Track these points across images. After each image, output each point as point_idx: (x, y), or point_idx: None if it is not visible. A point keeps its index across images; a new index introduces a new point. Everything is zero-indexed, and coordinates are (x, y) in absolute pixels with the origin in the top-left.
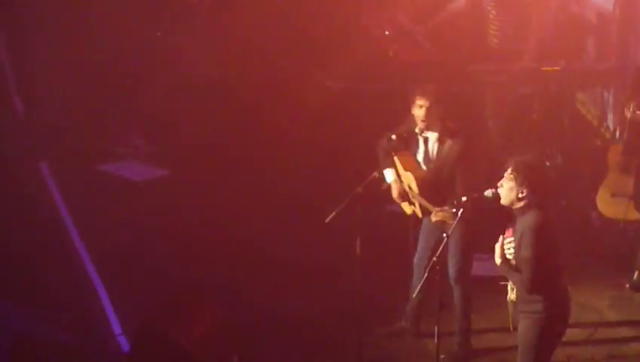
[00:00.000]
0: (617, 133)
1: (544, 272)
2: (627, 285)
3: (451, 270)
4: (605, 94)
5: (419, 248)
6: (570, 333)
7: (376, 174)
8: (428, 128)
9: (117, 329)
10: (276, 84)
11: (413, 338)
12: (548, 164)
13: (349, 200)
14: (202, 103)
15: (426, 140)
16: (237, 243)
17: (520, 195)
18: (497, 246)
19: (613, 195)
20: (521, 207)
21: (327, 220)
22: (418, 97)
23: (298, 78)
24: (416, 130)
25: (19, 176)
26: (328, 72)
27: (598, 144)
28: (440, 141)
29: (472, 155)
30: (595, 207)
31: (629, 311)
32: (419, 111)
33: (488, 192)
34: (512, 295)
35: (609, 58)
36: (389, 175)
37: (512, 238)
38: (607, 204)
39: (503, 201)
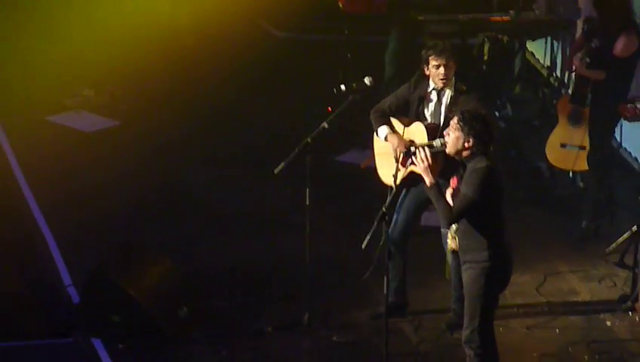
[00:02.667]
0: (566, 82)
1: (486, 218)
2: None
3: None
4: (555, 44)
5: (396, 220)
6: (521, 283)
7: (325, 125)
8: (445, 85)
9: (67, 280)
10: (223, 32)
11: (361, 288)
12: (497, 114)
13: (298, 150)
14: (149, 52)
15: (440, 95)
16: (186, 194)
17: (466, 144)
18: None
19: (562, 145)
20: (468, 156)
21: (276, 171)
22: (434, 57)
23: (245, 27)
24: (432, 88)
25: None
26: (275, 21)
27: (548, 93)
28: (455, 96)
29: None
30: (544, 157)
31: (580, 261)
32: (437, 70)
33: (437, 142)
34: (452, 244)
35: (558, 8)
36: (383, 130)
37: (457, 187)
38: (557, 154)
39: (449, 150)
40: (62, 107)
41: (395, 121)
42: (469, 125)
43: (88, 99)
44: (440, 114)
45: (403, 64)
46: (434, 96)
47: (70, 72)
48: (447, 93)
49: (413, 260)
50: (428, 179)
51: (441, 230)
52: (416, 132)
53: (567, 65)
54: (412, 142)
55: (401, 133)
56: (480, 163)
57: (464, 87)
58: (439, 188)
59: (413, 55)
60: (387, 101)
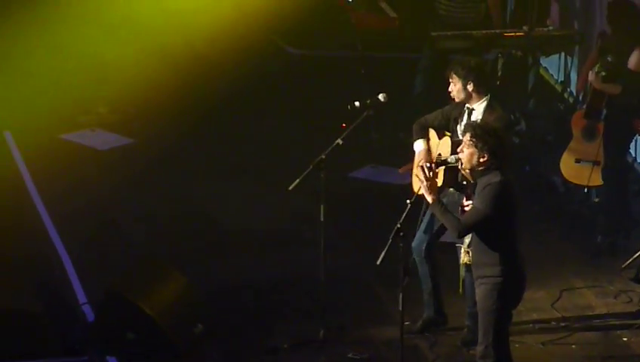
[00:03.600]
0: (580, 98)
1: (499, 233)
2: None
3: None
4: (569, 60)
5: (420, 231)
6: (537, 299)
7: (339, 141)
8: (470, 102)
9: (82, 298)
10: (236, 49)
11: (377, 304)
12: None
13: (313, 167)
14: (162, 69)
15: (470, 112)
16: (200, 211)
17: (481, 160)
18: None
19: (577, 161)
20: (482, 170)
21: (290, 187)
22: (452, 73)
23: (258, 43)
24: (466, 105)
25: None
26: (288, 38)
27: (562, 109)
28: (485, 114)
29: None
30: (559, 172)
31: (595, 276)
32: (452, 86)
33: (451, 158)
34: (465, 258)
35: (572, 24)
36: (419, 145)
37: (470, 202)
38: (571, 170)
39: (465, 166)
40: (76, 125)
41: (432, 134)
42: (482, 140)
43: (102, 116)
44: None
45: (432, 81)
46: (466, 113)
47: (84, 89)
48: (477, 111)
49: None
50: (429, 197)
51: (456, 245)
52: (444, 146)
53: (581, 81)
54: (438, 156)
55: (434, 147)
56: (494, 177)
57: (495, 107)
58: (441, 204)
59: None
60: (432, 115)
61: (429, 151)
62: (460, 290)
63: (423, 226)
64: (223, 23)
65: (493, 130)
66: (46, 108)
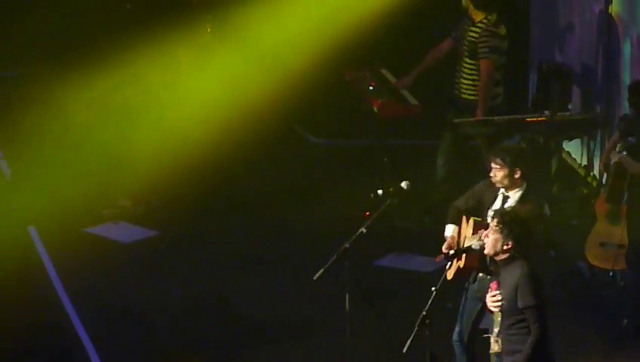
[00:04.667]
0: (603, 181)
1: None
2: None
3: None
4: (591, 144)
5: (459, 322)
6: None
7: (363, 230)
8: (507, 189)
9: None
10: (257, 138)
11: None
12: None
13: (337, 256)
14: (185, 160)
15: (505, 199)
16: (225, 301)
17: (505, 247)
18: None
19: (601, 244)
20: (505, 258)
21: (315, 277)
22: (493, 160)
23: (280, 133)
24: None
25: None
26: (310, 127)
27: (585, 193)
28: (519, 202)
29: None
30: (584, 256)
31: (621, 360)
32: (493, 173)
33: (476, 244)
34: (495, 346)
35: (594, 107)
36: (449, 230)
37: (497, 291)
38: (596, 253)
39: (488, 251)
40: (99, 218)
41: (463, 218)
42: (508, 228)
43: (125, 209)
44: None
45: (455, 166)
46: (500, 198)
47: (107, 182)
48: (512, 199)
49: None
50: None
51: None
52: (469, 230)
53: (602, 164)
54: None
55: (463, 231)
56: (522, 268)
57: (530, 198)
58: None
59: (465, 157)
60: (462, 199)
61: (456, 236)
62: None
63: (465, 317)
64: (245, 114)
65: (521, 219)
66: (69, 202)
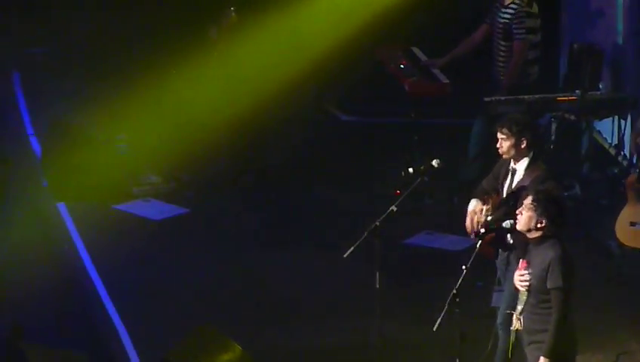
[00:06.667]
0: (634, 161)
1: None
2: None
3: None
4: (622, 123)
5: (502, 306)
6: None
7: (394, 208)
8: (514, 159)
9: None
10: (288, 116)
11: None
12: (565, 194)
13: (367, 234)
14: (215, 136)
15: (514, 171)
16: (255, 278)
17: (539, 225)
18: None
19: (632, 224)
20: (538, 237)
21: (345, 255)
22: (499, 129)
23: (312, 111)
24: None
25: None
26: (341, 105)
27: (616, 173)
28: (526, 173)
29: None
30: (614, 236)
31: None
32: (500, 144)
33: (507, 223)
34: (517, 324)
35: (624, 87)
36: (471, 204)
37: (526, 271)
38: (627, 233)
39: (520, 227)
40: (129, 195)
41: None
42: (542, 206)
43: (155, 186)
44: (509, 189)
45: (486, 145)
46: (510, 171)
47: (137, 158)
48: (519, 171)
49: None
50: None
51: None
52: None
53: (633, 144)
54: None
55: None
56: (555, 249)
57: (538, 165)
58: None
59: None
60: (485, 179)
61: (478, 211)
62: (509, 355)
63: (507, 301)
64: (276, 91)
65: (555, 198)
66: (99, 180)
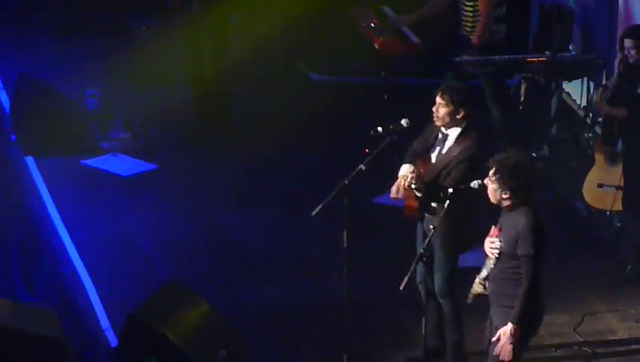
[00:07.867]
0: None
1: None
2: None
3: (437, 283)
4: (591, 85)
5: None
6: (559, 323)
7: (362, 167)
8: (446, 126)
9: (104, 323)
10: (259, 75)
11: (399, 330)
12: (534, 155)
13: (336, 192)
14: (185, 95)
15: (445, 138)
16: (222, 237)
17: (504, 195)
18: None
19: (599, 185)
20: (508, 205)
21: (313, 213)
22: (437, 95)
23: (282, 69)
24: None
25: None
26: (312, 64)
27: (585, 134)
28: (457, 141)
29: (476, 161)
30: (581, 197)
31: (618, 301)
32: (436, 109)
33: (475, 183)
34: (478, 289)
35: (595, 48)
36: (403, 169)
37: (497, 238)
38: (594, 195)
39: (491, 199)
40: (98, 150)
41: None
42: (504, 179)
43: (124, 142)
44: (439, 155)
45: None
46: (441, 137)
47: (106, 114)
48: (451, 137)
49: None
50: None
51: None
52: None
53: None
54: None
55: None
56: (521, 218)
57: (470, 134)
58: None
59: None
60: (418, 139)
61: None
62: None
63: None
64: (246, 50)
65: (516, 170)
66: (68, 134)
